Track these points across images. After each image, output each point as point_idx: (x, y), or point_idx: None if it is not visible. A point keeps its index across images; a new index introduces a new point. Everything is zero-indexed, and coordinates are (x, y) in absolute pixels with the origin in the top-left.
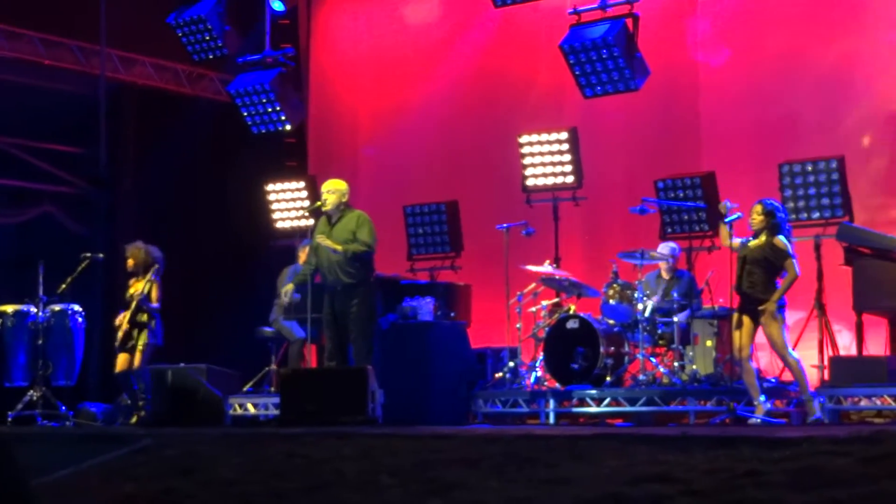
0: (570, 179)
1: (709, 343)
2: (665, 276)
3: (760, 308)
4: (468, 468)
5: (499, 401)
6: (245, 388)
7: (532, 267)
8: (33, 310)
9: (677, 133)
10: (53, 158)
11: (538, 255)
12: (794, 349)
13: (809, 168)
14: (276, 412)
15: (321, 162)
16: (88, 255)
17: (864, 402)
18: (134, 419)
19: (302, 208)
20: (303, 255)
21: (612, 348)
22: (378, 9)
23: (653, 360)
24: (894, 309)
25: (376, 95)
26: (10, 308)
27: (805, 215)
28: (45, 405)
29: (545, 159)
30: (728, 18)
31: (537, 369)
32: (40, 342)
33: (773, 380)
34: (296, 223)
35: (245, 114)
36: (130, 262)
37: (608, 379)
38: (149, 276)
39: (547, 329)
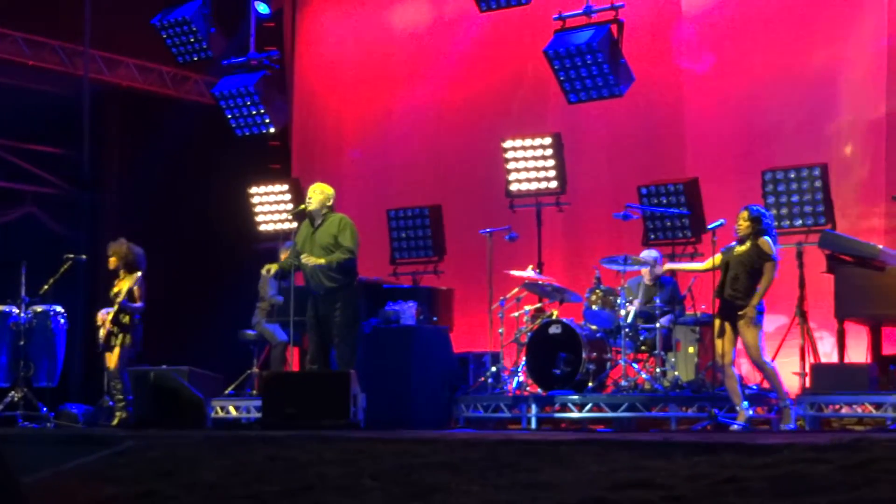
0: (553, 185)
1: (691, 349)
2: (647, 282)
3: (740, 313)
4: (450, 472)
5: (481, 405)
6: (227, 391)
7: (515, 272)
8: (15, 310)
9: (661, 140)
10: (37, 159)
11: (521, 261)
12: (775, 356)
13: (792, 175)
14: (257, 415)
15: (305, 165)
16: (71, 256)
17: (845, 410)
18: (115, 421)
19: (285, 211)
20: (283, 256)
21: (595, 354)
22: (363, 12)
23: (635, 366)
24: (876, 317)
25: (361, 99)
26: None
27: (788, 223)
28: (26, 406)
29: (529, 164)
30: (712, 26)
31: (519, 374)
32: (22, 343)
33: (755, 387)
34: (279, 226)
35: (229, 116)
36: (113, 259)
37: (590, 384)
38: (134, 277)
39: (529, 334)
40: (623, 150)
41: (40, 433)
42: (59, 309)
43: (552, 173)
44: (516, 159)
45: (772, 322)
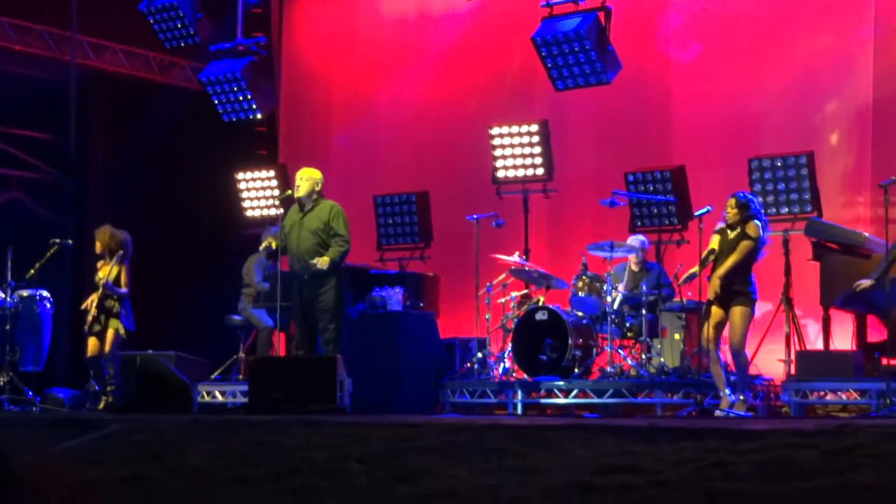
0: (540, 171)
1: (677, 336)
2: (634, 268)
3: (736, 288)
4: (437, 457)
5: (467, 391)
6: (213, 376)
7: (502, 258)
8: (1, 295)
9: (648, 127)
10: (23, 144)
11: (508, 247)
12: (761, 342)
13: (779, 163)
14: (244, 400)
15: (292, 151)
16: (57, 241)
17: (829, 397)
18: (102, 405)
19: (272, 197)
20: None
21: (581, 340)
22: None
23: (621, 352)
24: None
25: (348, 85)
26: None
27: (774, 210)
28: (12, 390)
29: (516, 151)
30: (699, 14)
31: (506, 360)
32: (8, 327)
33: None
34: (266, 212)
35: (216, 102)
36: (98, 245)
37: (576, 370)
38: (114, 260)
39: (516, 320)
40: (610, 138)
41: (26, 417)
42: (44, 293)
43: (539, 160)
44: (503, 146)
45: (758, 309)
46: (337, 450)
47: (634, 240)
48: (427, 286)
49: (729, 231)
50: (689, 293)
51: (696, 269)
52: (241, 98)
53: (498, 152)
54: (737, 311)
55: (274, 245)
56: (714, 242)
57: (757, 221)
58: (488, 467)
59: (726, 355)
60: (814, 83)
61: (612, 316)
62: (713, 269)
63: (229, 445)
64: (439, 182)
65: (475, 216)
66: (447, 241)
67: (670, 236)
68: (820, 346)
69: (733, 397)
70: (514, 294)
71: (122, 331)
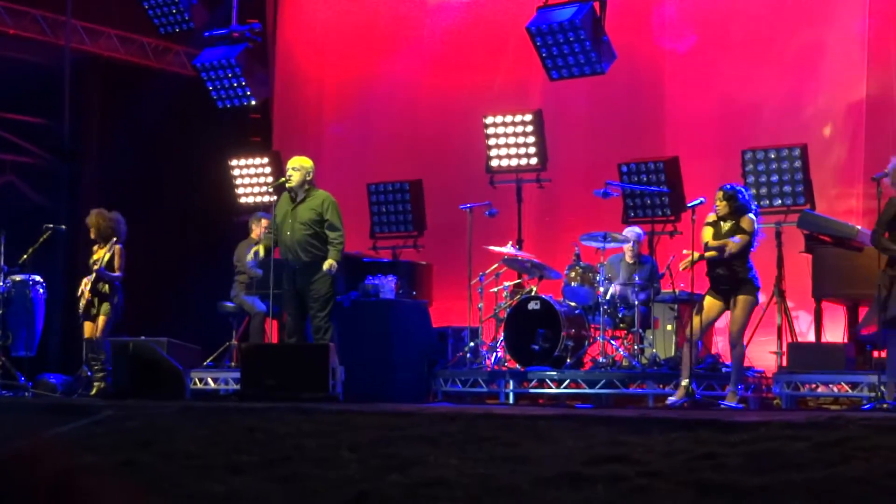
0: (534, 161)
1: (669, 327)
2: (629, 260)
3: (741, 277)
4: (428, 445)
5: (459, 380)
6: (206, 363)
7: (495, 247)
8: None
9: (642, 118)
10: (16, 129)
11: (501, 236)
12: (753, 334)
13: (772, 155)
14: (236, 387)
15: (286, 138)
16: (50, 226)
17: (821, 389)
18: (94, 391)
19: (266, 184)
20: (256, 228)
21: (573, 330)
22: None
23: (613, 342)
24: (853, 296)
25: (342, 73)
26: None
27: (767, 202)
28: (4, 375)
29: (510, 141)
30: (694, 5)
31: (498, 349)
32: (0, 312)
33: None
34: (259, 199)
35: (210, 88)
36: (92, 231)
37: (568, 361)
38: (108, 245)
39: (508, 310)
40: (604, 128)
41: (18, 402)
42: (37, 278)
43: (533, 150)
44: (497, 135)
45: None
46: (329, 438)
47: (630, 231)
48: (420, 275)
49: (722, 223)
50: (682, 284)
51: (696, 254)
52: (235, 84)
53: (492, 141)
54: (740, 300)
55: (262, 253)
56: (707, 234)
57: (751, 215)
58: (479, 456)
59: (717, 347)
60: (808, 75)
61: (605, 306)
62: (710, 269)
63: (221, 432)
64: (433, 171)
65: (468, 205)
66: (440, 230)
67: (663, 227)
68: (812, 338)
69: (688, 385)
70: (506, 283)
71: (110, 317)
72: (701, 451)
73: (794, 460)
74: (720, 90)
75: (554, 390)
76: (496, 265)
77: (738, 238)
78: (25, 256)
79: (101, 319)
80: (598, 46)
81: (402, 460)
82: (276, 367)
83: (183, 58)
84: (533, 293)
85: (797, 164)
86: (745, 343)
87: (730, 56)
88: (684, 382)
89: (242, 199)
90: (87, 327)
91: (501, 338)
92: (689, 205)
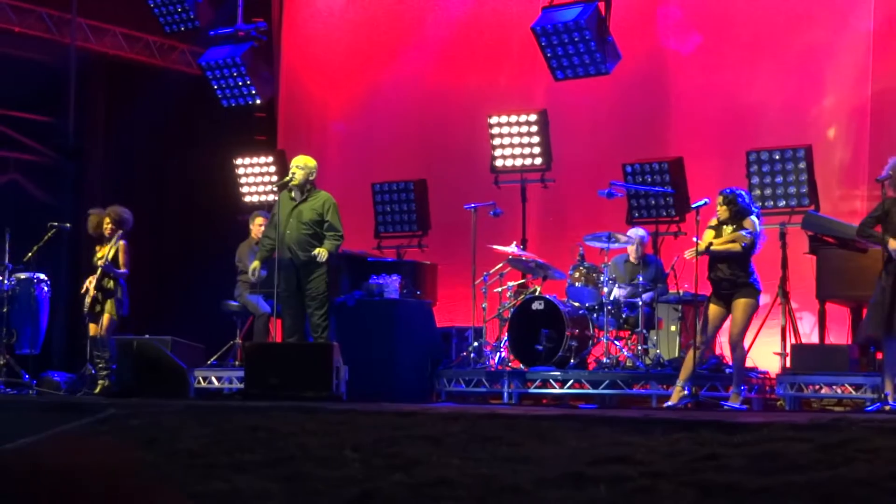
0: (538, 161)
1: (673, 328)
2: (633, 260)
3: (741, 282)
4: (431, 445)
5: (462, 380)
6: (210, 361)
7: (499, 247)
8: None
9: (646, 118)
10: (21, 126)
11: (505, 236)
12: (756, 335)
13: (777, 156)
14: (240, 386)
15: (290, 137)
16: (55, 224)
17: (824, 390)
18: (98, 389)
19: (270, 183)
20: (253, 227)
21: (577, 330)
22: None
23: (617, 343)
24: (857, 298)
25: (347, 72)
26: None
27: (771, 203)
28: (8, 373)
29: (514, 141)
30: (698, 6)
31: (502, 349)
32: (5, 310)
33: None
34: (264, 198)
35: (215, 87)
36: (108, 225)
37: (572, 361)
38: (113, 240)
39: (512, 310)
40: (608, 128)
41: (22, 400)
42: (42, 276)
43: (537, 150)
44: (502, 135)
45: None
46: (332, 437)
47: (634, 232)
48: (424, 274)
49: (724, 227)
50: (686, 285)
51: (703, 243)
52: (240, 83)
53: (496, 141)
54: (740, 304)
55: (258, 271)
56: (709, 236)
57: (753, 218)
58: (482, 456)
59: (721, 349)
60: (812, 76)
61: (609, 307)
62: (712, 268)
63: (225, 431)
64: (437, 170)
65: (473, 205)
66: (445, 230)
67: (667, 228)
68: (815, 339)
69: (732, 390)
70: (510, 283)
71: (115, 315)
72: (704, 451)
73: (796, 462)
74: (725, 91)
75: (557, 391)
76: (500, 265)
77: (745, 232)
78: (30, 254)
79: (106, 317)
80: (603, 47)
81: (406, 460)
82: (279, 367)
83: (188, 56)
84: (537, 293)
85: (801, 165)
86: (745, 345)
87: (734, 57)
88: (678, 385)
89: (247, 198)
90: (92, 327)
91: (505, 338)
92: (693, 205)
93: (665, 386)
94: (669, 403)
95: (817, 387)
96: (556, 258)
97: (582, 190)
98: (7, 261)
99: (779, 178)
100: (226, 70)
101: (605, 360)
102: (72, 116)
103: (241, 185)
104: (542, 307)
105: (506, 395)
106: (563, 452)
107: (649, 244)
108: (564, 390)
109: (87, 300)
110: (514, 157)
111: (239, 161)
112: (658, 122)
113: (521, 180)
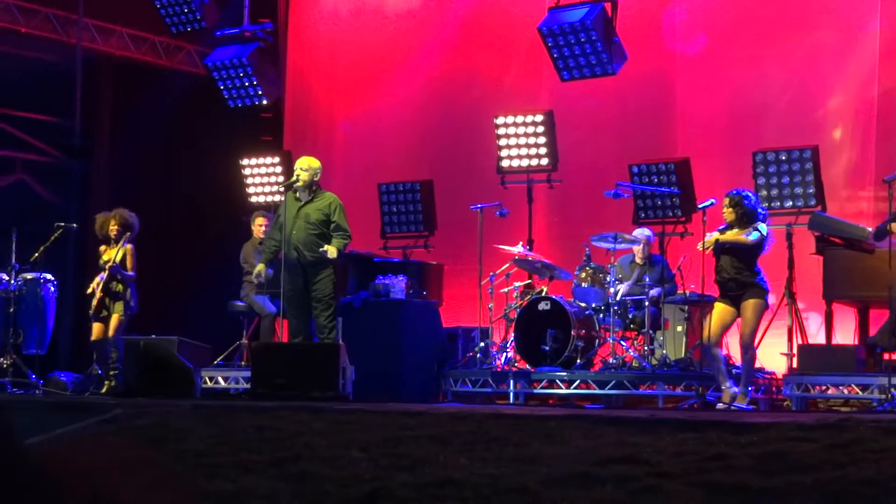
0: (545, 162)
1: (679, 328)
2: (639, 261)
3: (748, 282)
4: (438, 445)
5: (469, 380)
6: (216, 361)
7: (505, 248)
8: (5, 278)
9: (653, 119)
10: (28, 127)
11: (511, 237)
12: (763, 335)
13: (783, 157)
14: (246, 386)
15: (297, 137)
16: (62, 224)
17: (831, 391)
18: (104, 389)
19: (276, 183)
20: (255, 227)
21: (583, 331)
22: None
23: (623, 343)
24: (863, 298)
25: (354, 73)
26: None
27: (778, 204)
28: (15, 373)
29: (521, 141)
30: (705, 7)
31: (508, 350)
32: (11, 310)
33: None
34: (270, 198)
35: (222, 87)
36: (114, 227)
37: (578, 361)
38: (121, 242)
39: (518, 310)
40: (615, 129)
41: (29, 400)
42: (48, 276)
43: (544, 150)
44: (508, 136)
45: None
46: (338, 437)
47: (640, 233)
48: (430, 275)
49: (730, 231)
50: (692, 286)
51: (717, 234)
52: (246, 84)
53: (503, 142)
54: (750, 305)
55: (263, 274)
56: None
57: (761, 223)
58: (489, 456)
59: (728, 349)
60: (818, 77)
61: (615, 307)
62: (717, 274)
63: (231, 431)
64: (444, 171)
65: (479, 205)
66: (451, 230)
67: (674, 228)
68: (822, 340)
69: (735, 389)
70: (517, 284)
71: (122, 316)
72: (710, 452)
73: (803, 462)
74: (731, 91)
75: (564, 391)
76: (506, 265)
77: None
78: (37, 255)
79: (115, 318)
80: (610, 47)
81: (412, 460)
82: (286, 367)
83: (194, 57)
84: (543, 294)
85: (808, 165)
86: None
87: (740, 57)
88: (724, 386)
89: (253, 199)
90: (96, 328)
91: (511, 338)
92: (699, 206)
93: (671, 387)
94: (723, 405)
95: (824, 387)
96: (563, 258)
97: (588, 190)
98: (14, 261)
99: (785, 179)
100: (232, 70)
101: (611, 360)
102: (78, 117)
103: (248, 185)
104: (548, 307)
105: (512, 395)
106: (569, 453)
107: (655, 244)
108: (571, 391)
109: (94, 302)
110: (520, 157)
111: (245, 161)
112: (664, 123)
113: (527, 181)
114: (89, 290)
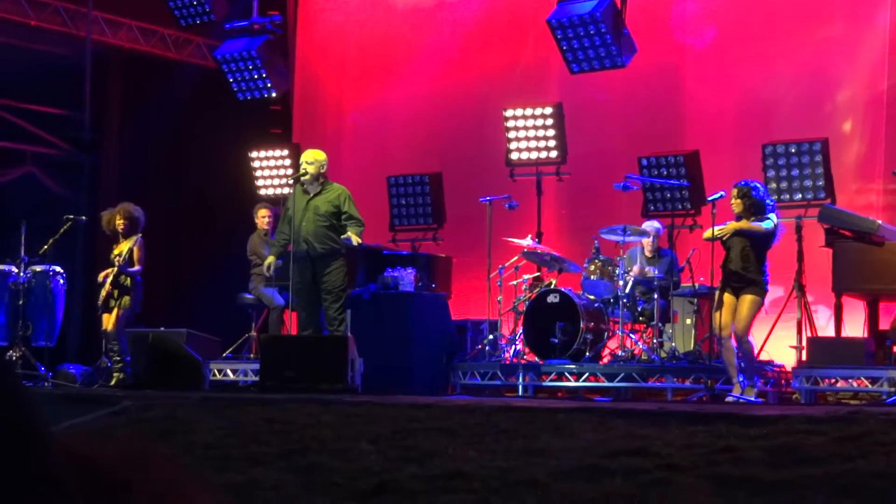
0: (554, 154)
1: (688, 321)
2: (648, 254)
3: (749, 277)
4: (447, 437)
5: (478, 373)
6: (225, 354)
7: (514, 240)
8: (14, 270)
9: (662, 111)
10: (37, 119)
11: (520, 229)
12: (772, 328)
13: (793, 149)
14: (255, 378)
15: (306, 130)
16: (71, 217)
17: (840, 384)
18: (113, 381)
19: (285, 176)
20: (258, 219)
21: (592, 324)
22: None
23: (632, 336)
24: (873, 291)
25: (362, 65)
26: None
27: (787, 196)
28: (24, 365)
29: (530, 134)
30: (713, 0)
31: (517, 342)
32: (21, 302)
33: None
34: (279, 190)
35: (231, 80)
36: (121, 221)
37: (587, 354)
38: (132, 240)
39: (527, 303)
40: (624, 122)
41: (38, 392)
42: (58, 269)
43: (553, 143)
44: (517, 128)
45: (769, 294)
46: (347, 429)
47: (649, 225)
48: (439, 267)
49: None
50: (702, 278)
51: (732, 223)
52: (256, 76)
53: (512, 134)
54: (746, 300)
55: (272, 267)
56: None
57: (771, 215)
58: (498, 449)
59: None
60: (828, 70)
61: (624, 300)
62: (724, 262)
63: (240, 423)
64: (453, 163)
65: (488, 198)
66: (460, 223)
67: (683, 221)
68: (831, 332)
69: (746, 382)
70: (526, 276)
71: (127, 307)
72: (720, 444)
73: (813, 455)
74: (740, 84)
75: (572, 383)
76: (515, 258)
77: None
78: (46, 247)
79: (117, 311)
80: (619, 40)
81: (421, 452)
82: (295, 359)
83: (203, 50)
84: (552, 286)
85: (818, 158)
86: (759, 337)
87: (750, 50)
88: (736, 379)
89: (262, 191)
90: (105, 319)
91: (520, 331)
92: (709, 199)
93: (680, 379)
94: (742, 398)
95: (833, 380)
96: (572, 251)
97: (597, 183)
98: (23, 253)
99: (795, 172)
100: (241, 63)
101: (620, 353)
102: (87, 109)
103: (257, 178)
104: (557, 300)
105: (521, 387)
106: (578, 445)
107: (665, 237)
108: (579, 383)
109: (103, 293)
110: (529, 150)
111: (254, 154)
112: (674, 116)
113: (536, 173)
114: (100, 279)
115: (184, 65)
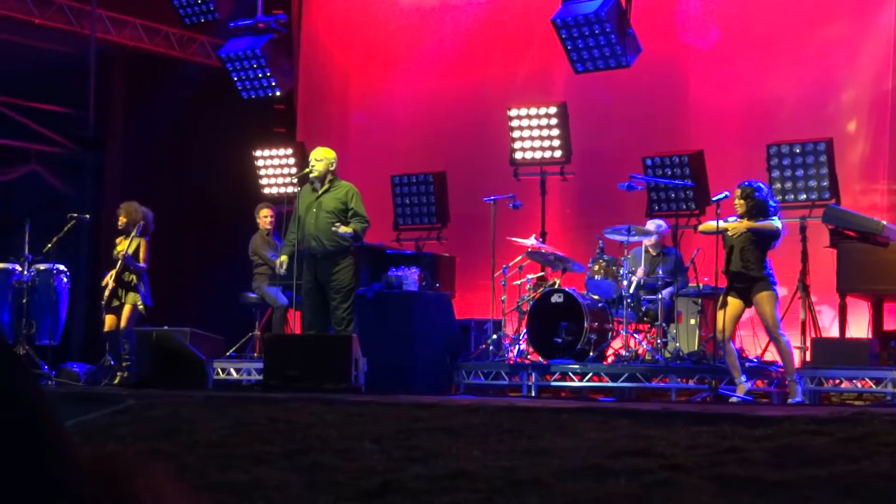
0: (558, 154)
1: (692, 321)
2: (652, 252)
3: (755, 277)
4: (450, 437)
5: (481, 373)
6: (228, 353)
7: (518, 240)
8: (18, 268)
9: (667, 111)
10: (42, 118)
11: (524, 229)
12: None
13: (797, 150)
14: (258, 377)
15: (310, 129)
16: (75, 215)
17: (845, 384)
18: (117, 380)
19: (290, 175)
20: (260, 218)
21: (596, 323)
22: None
23: (636, 336)
24: (877, 292)
25: (367, 64)
26: None
27: (792, 196)
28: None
29: (534, 133)
30: (718, 0)
31: (521, 342)
32: (24, 301)
33: (755, 359)
34: (283, 189)
35: (235, 79)
36: (122, 219)
37: (591, 354)
38: (133, 233)
39: (531, 302)
40: (628, 121)
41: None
42: (61, 267)
43: (557, 142)
44: (521, 128)
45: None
46: (351, 428)
47: (652, 224)
48: (443, 267)
49: (738, 220)
50: (706, 278)
51: (733, 220)
52: (260, 75)
53: (516, 134)
54: (763, 297)
55: (284, 265)
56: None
57: (775, 217)
58: (501, 449)
59: (742, 342)
60: (832, 70)
61: (628, 300)
62: (727, 261)
63: (244, 422)
64: (457, 163)
65: (492, 197)
66: (464, 222)
67: (687, 221)
68: (835, 333)
69: (749, 384)
70: (530, 276)
71: (140, 306)
72: (724, 445)
73: (817, 455)
74: (744, 84)
75: (576, 383)
76: (519, 258)
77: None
78: (50, 246)
79: (128, 308)
80: (624, 39)
81: (425, 452)
82: (298, 358)
83: (208, 48)
84: (556, 286)
85: (822, 158)
86: (784, 333)
87: (754, 50)
88: (739, 381)
89: (266, 190)
90: (108, 319)
91: (524, 330)
92: (713, 199)
93: (684, 380)
94: (739, 397)
95: (837, 381)
96: (576, 251)
97: (602, 183)
98: (27, 252)
99: (799, 172)
100: (245, 62)
101: (624, 353)
102: (92, 108)
103: (261, 177)
104: (561, 300)
105: (525, 387)
106: (582, 445)
107: (669, 236)
108: (583, 383)
109: (106, 293)
110: (533, 149)
111: (258, 153)
112: (678, 116)
113: (540, 173)
114: (104, 283)
115: (188, 63)
